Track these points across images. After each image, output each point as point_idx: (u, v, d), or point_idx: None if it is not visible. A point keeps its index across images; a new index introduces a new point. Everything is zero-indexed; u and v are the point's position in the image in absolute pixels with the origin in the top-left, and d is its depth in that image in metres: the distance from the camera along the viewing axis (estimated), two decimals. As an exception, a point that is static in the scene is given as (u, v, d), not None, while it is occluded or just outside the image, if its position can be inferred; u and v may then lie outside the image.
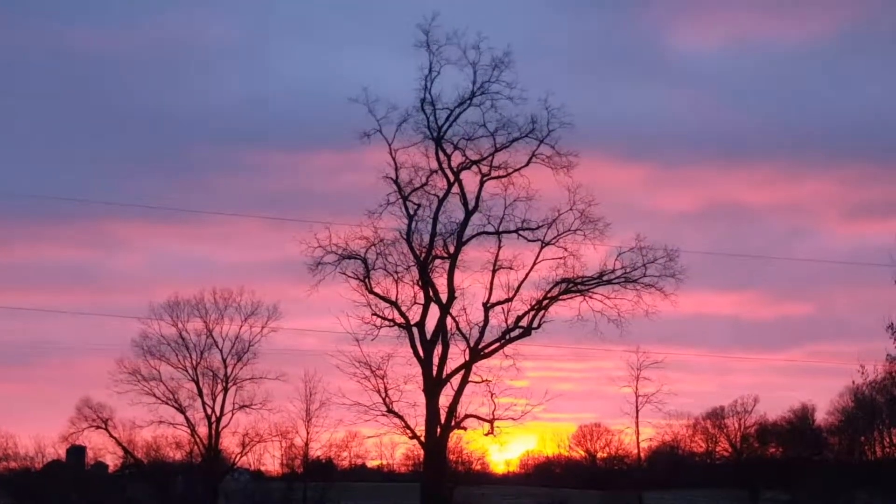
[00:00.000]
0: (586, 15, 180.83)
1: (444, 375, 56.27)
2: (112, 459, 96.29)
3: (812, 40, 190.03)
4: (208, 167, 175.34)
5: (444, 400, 56.32)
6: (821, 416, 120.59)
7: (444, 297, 56.62)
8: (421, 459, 63.83)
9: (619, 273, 56.70)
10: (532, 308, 57.09)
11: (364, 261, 57.10)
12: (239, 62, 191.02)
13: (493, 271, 57.28)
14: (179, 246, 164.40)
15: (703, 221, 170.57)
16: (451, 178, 56.58)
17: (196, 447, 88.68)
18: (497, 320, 57.19)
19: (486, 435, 58.50)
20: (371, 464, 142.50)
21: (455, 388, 56.41)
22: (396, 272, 57.34)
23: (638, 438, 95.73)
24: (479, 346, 56.75)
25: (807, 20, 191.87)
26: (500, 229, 57.08)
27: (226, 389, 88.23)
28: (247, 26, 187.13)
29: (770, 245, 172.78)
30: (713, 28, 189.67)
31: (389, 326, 57.08)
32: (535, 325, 57.21)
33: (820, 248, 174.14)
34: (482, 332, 56.79)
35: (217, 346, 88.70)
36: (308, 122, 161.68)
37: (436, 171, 56.54)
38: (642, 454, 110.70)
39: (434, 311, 56.79)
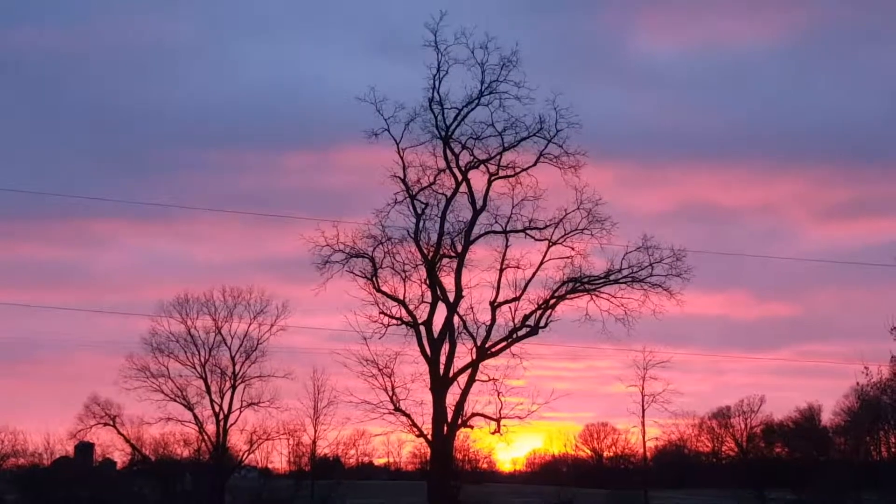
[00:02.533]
0: (551, 15, 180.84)
1: (451, 374, 56.37)
2: (120, 456, 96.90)
3: (776, 41, 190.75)
4: (179, 167, 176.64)
5: (451, 398, 56.38)
6: (826, 417, 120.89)
7: (451, 296, 56.71)
8: (428, 458, 63.92)
9: (625, 272, 56.85)
10: (539, 307, 57.19)
11: (372, 259, 57.28)
12: (210, 64, 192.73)
13: (501, 270, 57.37)
14: (166, 244, 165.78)
15: (676, 222, 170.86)
16: (459, 177, 56.66)
17: (204, 444, 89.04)
18: (504, 319, 57.30)
19: (493, 434, 58.54)
20: (378, 462, 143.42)
21: (462, 386, 56.48)
22: (404, 271, 57.46)
23: (644, 438, 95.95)
24: (487, 345, 56.83)
25: (770, 21, 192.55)
26: (508, 228, 57.15)
27: (234, 387, 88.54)
28: (214, 27, 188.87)
29: (744, 245, 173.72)
30: (678, 30, 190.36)
31: (397, 325, 57.11)
32: (542, 324, 57.32)
33: (797, 248, 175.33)
34: (489, 331, 56.87)
35: (226, 344, 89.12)
36: (280, 123, 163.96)
37: (443, 171, 56.58)
38: (648, 453, 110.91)
39: (441, 309, 56.91)
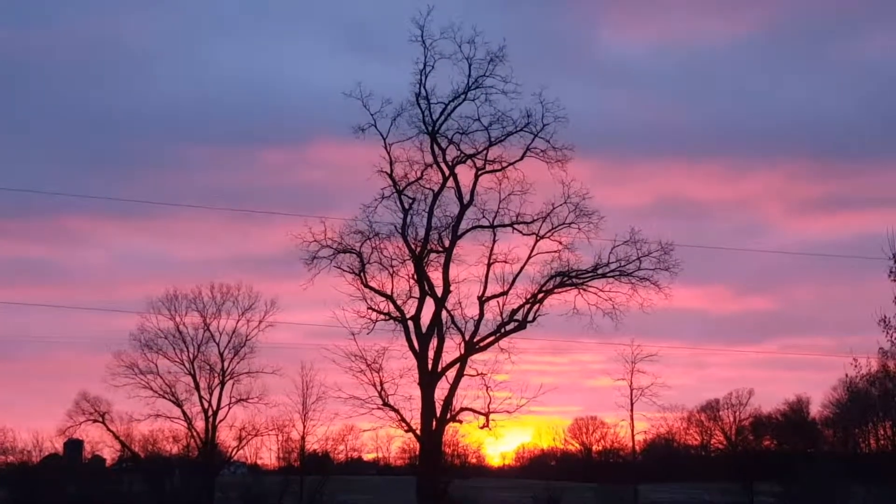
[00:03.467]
0: (519, 9, 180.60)
1: (439, 369, 56.43)
2: (109, 453, 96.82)
3: (743, 37, 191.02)
4: (154, 163, 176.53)
5: (440, 393, 56.46)
6: (815, 409, 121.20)
7: (439, 291, 56.78)
8: (417, 453, 63.95)
9: (613, 266, 56.93)
10: (527, 301, 57.31)
11: (359, 255, 57.29)
12: (179, 60, 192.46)
13: (488, 265, 57.46)
14: (151, 242, 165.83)
15: (651, 217, 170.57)
16: (446, 172, 56.72)
17: (193, 441, 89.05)
18: (492, 314, 57.44)
19: (482, 428, 58.68)
20: (367, 457, 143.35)
21: (450, 381, 56.61)
22: (392, 266, 57.55)
23: (633, 431, 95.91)
24: (475, 340, 56.93)
25: (736, 18, 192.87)
26: (495, 223, 57.23)
27: (222, 383, 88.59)
28: (185, 24, 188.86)
29: (720, 241, 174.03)
30: (645, 27, 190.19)
31: (385, 320, 57.21)
32: (529, 318, 57.42)
33: (773, 243, 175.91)
34: (477, 326, 56.95)
35: (214, 340, 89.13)
36: (258, 120, 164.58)
37: (430, 166, 56.64)
38: (637, 447, 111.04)
39: (429, 304, 56.97)
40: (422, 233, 56.92)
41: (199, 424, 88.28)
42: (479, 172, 56.84)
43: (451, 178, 56.79)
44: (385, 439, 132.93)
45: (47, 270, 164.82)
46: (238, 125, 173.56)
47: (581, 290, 57.10)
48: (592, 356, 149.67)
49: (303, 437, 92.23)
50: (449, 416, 56.84)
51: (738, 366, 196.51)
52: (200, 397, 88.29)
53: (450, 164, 56.66)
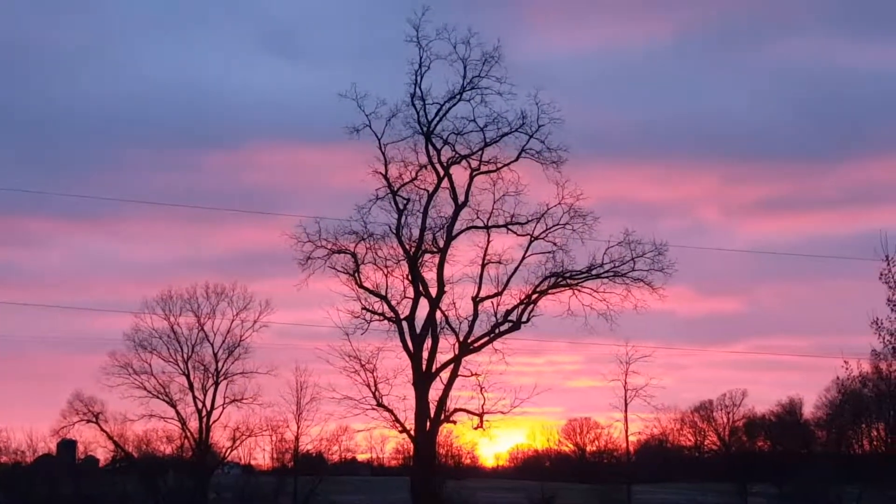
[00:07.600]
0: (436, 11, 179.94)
1: (433, 369, 56.44)
2: (103, 453, 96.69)
3: (666, 43, 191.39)
4: (100, 165, 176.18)
5: (434, 394, 56.50)
6: (808, 410, 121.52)
7: (433, 292, 56.81)
8: (411, 453, 64.00)
9: (607, 267, 56.99)
10: (521, 302, 57.35)
11: (354, 255, 57.33)
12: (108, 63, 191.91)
13: (483, 266, 57.47)
14: (147, 242, 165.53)
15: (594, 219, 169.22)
16: (441, 172, 56.76)
17: (187, 441, 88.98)
18: (486, 314, 57.51)
19: (476, 429, 58.76)
20: (361, 458, 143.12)
21: (444, 382, 56.64)
22: (386, 267, 57.57)
23: (627, 432, 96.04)
24: (469, 341, 56.97)
25: (654, 23, 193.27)
26: (490, 224, 57.26)
27: (216, 384, 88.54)
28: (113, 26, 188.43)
29: (667, 241, 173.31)
30: (568, 31, 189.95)
31: (379, 320, 57.28)
32: (524, 319, 57.47)
33: (718, 243, 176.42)
34: (471, 327, 56.98)
35: (208, 341, 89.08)
36: (200, 122, 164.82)
37: (425, 166, 56.68)
38: (631, 448, 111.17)
39: (424, 305, 56.98)
40: (416, 233, 57.03)
41: (193, 425, 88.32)
42: (474, 173, 56.93)
43: (445, 179, 56.84)
44: (379, 440, 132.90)
45: (39, 271, 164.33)
46: (178, 127, 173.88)
47: (575, 291, 57.17)
48: (568, 357, 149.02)
49: (297, 438, 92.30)
50: (443, 416, 56.89)
51: (714, 366, 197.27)
52: (194, 397, 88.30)
53: (444, 164, 56.71)
